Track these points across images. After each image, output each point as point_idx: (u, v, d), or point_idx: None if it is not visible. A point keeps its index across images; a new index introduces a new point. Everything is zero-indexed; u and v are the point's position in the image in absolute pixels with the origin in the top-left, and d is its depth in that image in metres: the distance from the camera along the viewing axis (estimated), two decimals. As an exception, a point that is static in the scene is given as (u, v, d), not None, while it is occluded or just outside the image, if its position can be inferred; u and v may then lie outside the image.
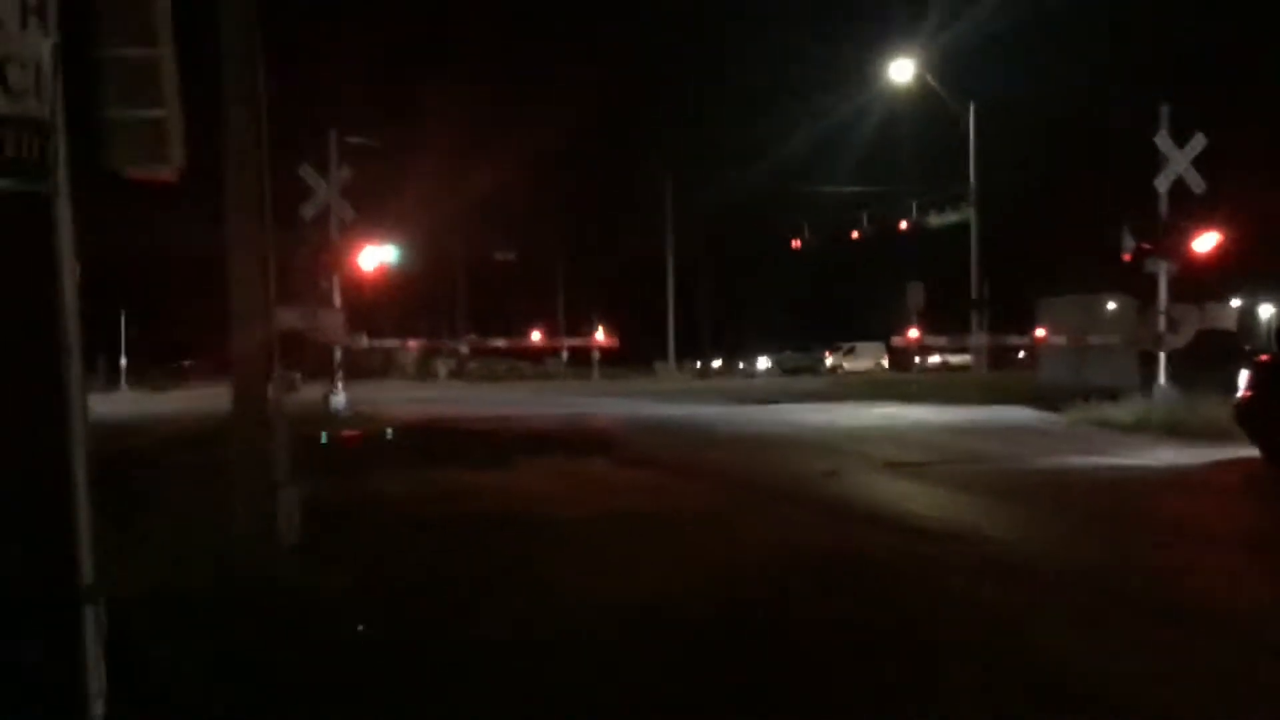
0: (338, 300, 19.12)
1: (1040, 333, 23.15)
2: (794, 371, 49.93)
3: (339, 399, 18.98)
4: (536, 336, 34.51)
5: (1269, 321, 44.65)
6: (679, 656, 4.47)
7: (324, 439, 13.97)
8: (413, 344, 36.65)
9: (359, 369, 39.89)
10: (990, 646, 4.59)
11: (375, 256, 20.63)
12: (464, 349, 42.76)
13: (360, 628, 4.92)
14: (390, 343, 30.99)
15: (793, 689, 4.10)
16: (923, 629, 4.89)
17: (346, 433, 15.42)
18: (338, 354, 19.21)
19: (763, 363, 55.66)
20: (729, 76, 75.83)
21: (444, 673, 4.33)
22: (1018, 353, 38.04)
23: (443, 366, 48.75)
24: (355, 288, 20.56)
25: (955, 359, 45.93)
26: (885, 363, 51.55)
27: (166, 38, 3.25)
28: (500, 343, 34.12)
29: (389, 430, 16.09)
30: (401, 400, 24.61)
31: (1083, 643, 4.66)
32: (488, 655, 4.57)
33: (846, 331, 56.11)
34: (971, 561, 6.29)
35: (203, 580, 5.37)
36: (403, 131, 38.02)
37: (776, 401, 23.36)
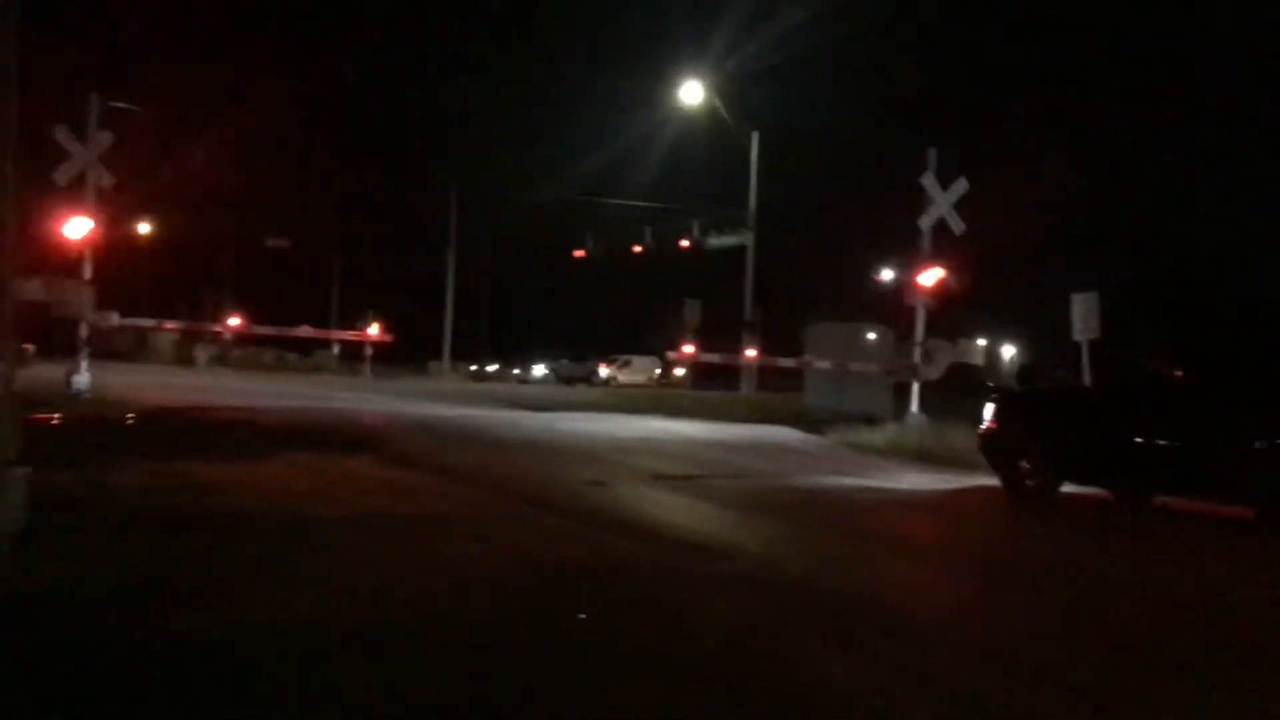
0: (88, 273, 17.82)
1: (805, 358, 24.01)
2: (569, 380, 50.10)
3: (81, 379, 17.64)
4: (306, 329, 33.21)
5: (1012, 359, 48.04)
6: (405, 674, 4.26)
7: (59, 421, 12.97)
8: (170, 325, 34.66)
9: (110, 349, 37.42)
10: (738, 657, 4.63)
11: (137, 228, 19.41)
12: (227, 334, 40.83)
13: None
14: (145, 322, 29.19)
15: (529, 706, 3.98)
16: (673, 643, 4.90)
17: (87, 416, 14.37)
18: (83, 330, 17.91)
19: (539, 370, 55.60)
20: (531, 92, 76.41)
21: (135, 677, 4.05)
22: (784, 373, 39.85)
23: (203, 352, 46.30)
24: (111, 261, 19.26)
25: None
26: (660, 376, 52.49)
27: None
28: (268, 330, 32.69)
29: (132, 416, 15.11)
30: (154, 385, 23.18)
31: (825, 654, 4.79)
32: (193, 660, 4.27)
33: (623, 344, 56.79)
34: (727, 575, 6.39)
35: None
36: (182, 106, 36.06)
37: (550, 409, 23.30)
